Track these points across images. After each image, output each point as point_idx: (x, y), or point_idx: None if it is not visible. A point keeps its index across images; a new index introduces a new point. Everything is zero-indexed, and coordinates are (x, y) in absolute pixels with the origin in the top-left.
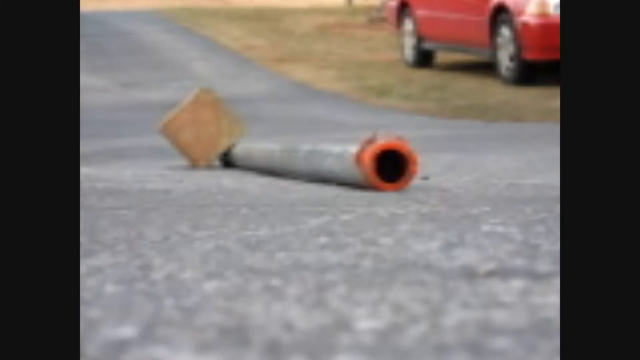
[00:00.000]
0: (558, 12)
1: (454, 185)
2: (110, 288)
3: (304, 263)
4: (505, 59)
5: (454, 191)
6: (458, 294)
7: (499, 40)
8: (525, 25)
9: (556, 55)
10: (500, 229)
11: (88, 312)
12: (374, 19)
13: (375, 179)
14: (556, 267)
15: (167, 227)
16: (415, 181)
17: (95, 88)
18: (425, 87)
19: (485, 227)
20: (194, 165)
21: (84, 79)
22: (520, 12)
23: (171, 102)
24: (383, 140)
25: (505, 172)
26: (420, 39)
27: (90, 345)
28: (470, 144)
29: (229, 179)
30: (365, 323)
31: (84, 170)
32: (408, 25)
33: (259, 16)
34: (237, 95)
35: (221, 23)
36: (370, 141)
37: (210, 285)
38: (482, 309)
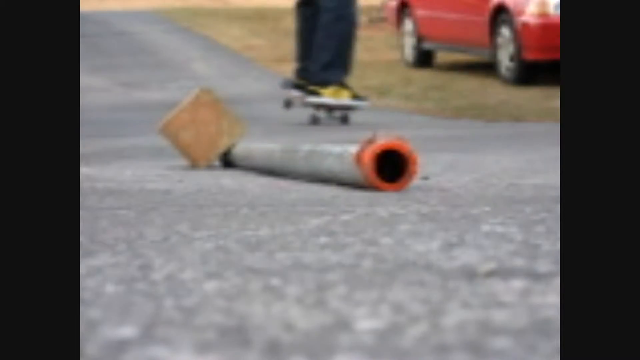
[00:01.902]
0: (558, 12)
1: (454, 185)
2: (110, 288)
3: (304, 263)
4: (505, 59)
5: (454, 191)
6: (458, 294)
7: (499, 40)
8: (525, 25)
9: (556, 55)
10: (500, 229)
11: (88, 312)
12: (374, 19)
13: (375, 179)
14: (556, 267)
15: (167, 227)
16: (415, 181)
17: (95, 88)
18: (425, 87)
19: (485, 227)
20: (194, 165)
21: (84, 79)
22: (520, 12)
23: (171, 102)
24: (383, 140)
25: (505, 172)
26: (420, 39)
27: (90, 345)
28: (470, 144)
29: (229, 179)
30: (365, 323)
31: (84, 170)
32: (408, 25)
33: (259, 16)
34: (237, 95)
35: (221, 23)
36: (370, 141)
37: (210, 285)
38: (482, 309)
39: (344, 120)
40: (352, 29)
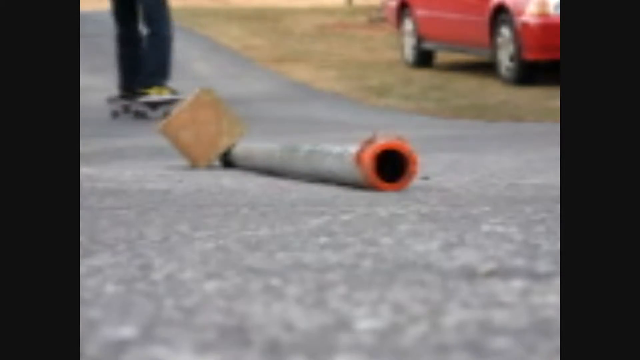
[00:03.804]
0: (558, 12)
1: (454, 185)
2: (110, 288)
3: (304, 263)
4: (505, 59)
5: (454, 191)
6: (458, 294)
7: (499, 40)
8: (525, 25)
9: (556, 55)
10: (500, 229)
11: (88, 312)
12: (374, 19)
13: (375, 179)
14: (556, 267)
15: (167, 227)
16: (415, 181)
17: (95, 88)
18: (425, 87)
19: (485, 227)
20: (194, 165)
21: (84, 79)
22: (520, 12)
23: None
24: (383, 140)
25: (505, 172)
26: (420, 39)
27: (90, 345)
28: (470, 144)
29: (229, 179)
30: (365, 323)
31: (84, 170)
32: (408, 25)
33: (259, 16)
34: (237, 95)
35: (221, 23)
36: (370, 141)
37: (210, 285)
38: (482, 309)
39: (166, 115)
40: (170, 45)
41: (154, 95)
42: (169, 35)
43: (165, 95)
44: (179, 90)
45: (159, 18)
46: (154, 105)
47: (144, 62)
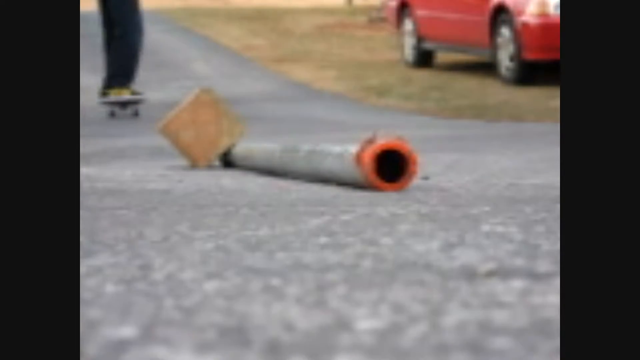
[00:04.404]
0: (558, 12)
1: (454, 185)
2: (110, 288)
3: (304, 263)
4: (505, 59)
5: (454, 191)
6: (458, 294)
7: (499, 40)
8: (525, 25)
9: (556, 55)
10: (500, 229)
11: (88, 312)
12: (374, 19)
13: (375, 179)
14: (556, 267)
15: (167, 227)
16: (415, 181)
17: (95, 88)
18: (425, 87)
19: (485, 227)
20: (194, 165)
21: (84, 79)
22: (520, 12)
23: (171, 102)
24: (383, 140)
25: (505, 172)
26: (420, 39)
27: (90, 345)
28: (470, 144)
29: (229, 179)
30: (365, 323)
31: (84, 170)
32: (408, 25)
33: (259, 16)
34: (237, 95)
35: (221, 23)
36: (370, 141)
37: (210, 285)
38: (482, 309)
39: (135, 114)
40: (135, 50)
41: (112, 96)
42: (134, 40)
43: (124, 96)
44: (140, 92)
45: (126, 23)
46: (124, 104)
47: (108, 63)
